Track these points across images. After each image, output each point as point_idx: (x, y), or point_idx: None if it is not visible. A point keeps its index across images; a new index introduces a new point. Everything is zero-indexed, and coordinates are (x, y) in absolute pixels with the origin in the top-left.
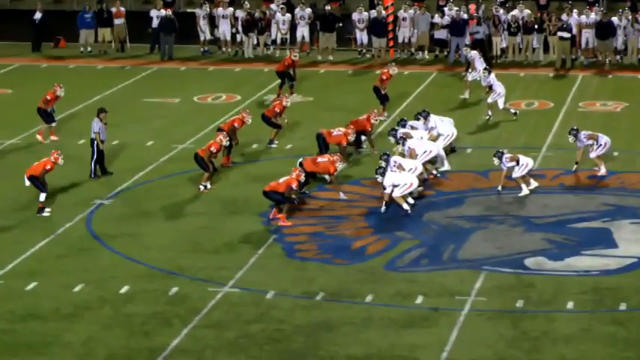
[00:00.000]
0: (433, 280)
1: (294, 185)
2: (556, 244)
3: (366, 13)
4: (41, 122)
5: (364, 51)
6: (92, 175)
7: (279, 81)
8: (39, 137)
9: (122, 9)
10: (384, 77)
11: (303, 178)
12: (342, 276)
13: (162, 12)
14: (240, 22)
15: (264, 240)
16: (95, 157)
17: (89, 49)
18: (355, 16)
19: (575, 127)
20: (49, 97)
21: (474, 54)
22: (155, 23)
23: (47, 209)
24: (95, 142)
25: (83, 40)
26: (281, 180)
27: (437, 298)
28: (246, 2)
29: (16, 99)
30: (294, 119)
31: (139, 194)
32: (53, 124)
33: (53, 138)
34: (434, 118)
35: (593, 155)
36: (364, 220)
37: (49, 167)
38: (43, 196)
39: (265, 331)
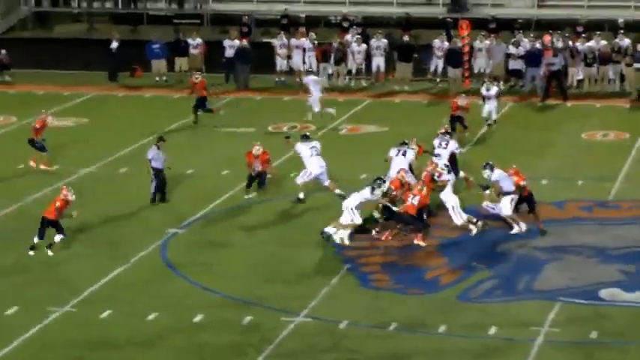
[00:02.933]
0: (507, 311)
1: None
2: (631, 275)
3: (447, 42)
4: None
5: (439, 80)
6: (152, 200)
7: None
8: (32, 164)
9: (199, 40)
10: (453, 107)
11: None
12: (415, 306)
13: (236, 42)
14: (312, 53)
15: (337, 270)
16: (154, 183)
17: (164, 78)
18: (437, 43)
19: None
20: (37, 126)
21: (309, 79)
22: (229, 53)
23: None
24: (153, 169)
25: (155, 70)
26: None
27: (511, 328)
28: (312, 33)
29: (92, 128)
30: (369, 149)
31: (214, 223)
32: (45, 154)
33: (43, 167)
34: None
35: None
36: (437, 250)
37: (59, 204)
38: (58, 238)
39: None
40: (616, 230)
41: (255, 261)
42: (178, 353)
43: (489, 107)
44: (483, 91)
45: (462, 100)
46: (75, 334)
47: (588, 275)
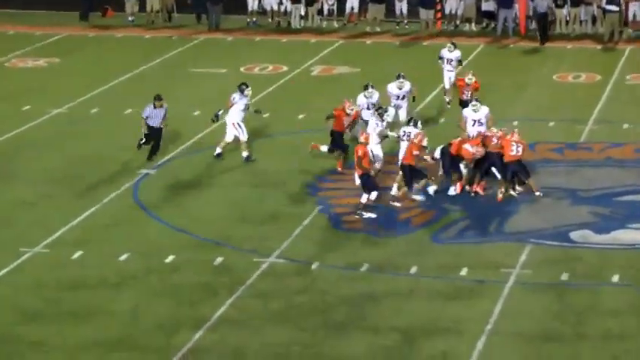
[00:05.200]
0: (479, 253)
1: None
2: (602, 217)
3: None
4: None
5: (406, 22)
6: (138, 147)
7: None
8: None
9: None
10: (458, 85)
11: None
12: (387, 248)
13: None
14: None
15: (310, 211)
16: (143, 138)
17: (130, 18)
18: None
19: None
20: None
21: None
22: None
23: (369, 214)
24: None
25: (129, 10)
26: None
27: (482, 270)
28: None
29: (64, 68)
30: (341, 90)
31: (185, 165)
32: None
33: None
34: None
35: None
36: (409, 193)
37: (360, 153)
38: (369, 196)
39: (310, 301)
40: (587, 172)
41: (227, 202)
42: (151, 294)
43: (449, 75)
44: (445, 53)
45: (469, 78)
46: (47, 275)
47: (559, 217)
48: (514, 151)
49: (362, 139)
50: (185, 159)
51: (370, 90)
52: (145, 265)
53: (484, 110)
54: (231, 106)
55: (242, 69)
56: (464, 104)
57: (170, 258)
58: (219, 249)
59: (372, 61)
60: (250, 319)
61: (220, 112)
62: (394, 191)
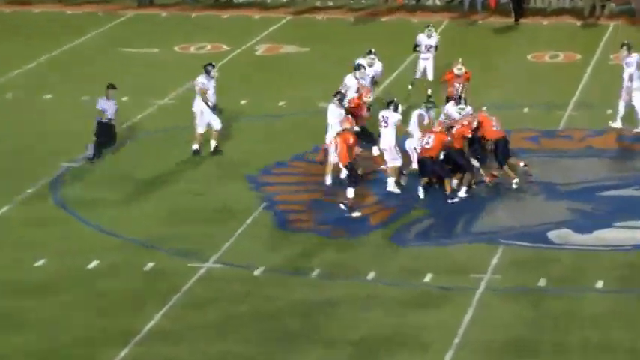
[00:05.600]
0: (444, 256)
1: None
2: (583, 214)
3: None
4: None
5: None
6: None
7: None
8: None
9: None
10: (447, 78)
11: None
12: (341, 250)
13: None
14: None
15: (253, 209)
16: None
17: None
18: None
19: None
20: None
21: None
22: None
23: (356, 212)
24: (99, 119)
25: None
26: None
27: (448, 275)
28: None
29: None
30: (288, 72)
31: (112, 156)
32: None
33: None
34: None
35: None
36: (368, 187)
37: (352, 141)
38: (347, 192)
39: (253, 311)
40: (566, 163)
41: (159, 199)
42: (71, 304)
43: (425, 63)
44: (423, 39)
45: (458, 68)
46: None
47: (535, 214)
48: (495, 126)
49: (347, 125)
50: (113, 150)
51: (372, 57)
52: (64, 272)
53: (467, 112)
54: (204, 93)
55: (176, 48)
56: (450, 100)
57: (93, 263)
58: (151, 252)
59: (323, 40)
60: (185, 331)
61: (213, 104)
62: (391, 187)
